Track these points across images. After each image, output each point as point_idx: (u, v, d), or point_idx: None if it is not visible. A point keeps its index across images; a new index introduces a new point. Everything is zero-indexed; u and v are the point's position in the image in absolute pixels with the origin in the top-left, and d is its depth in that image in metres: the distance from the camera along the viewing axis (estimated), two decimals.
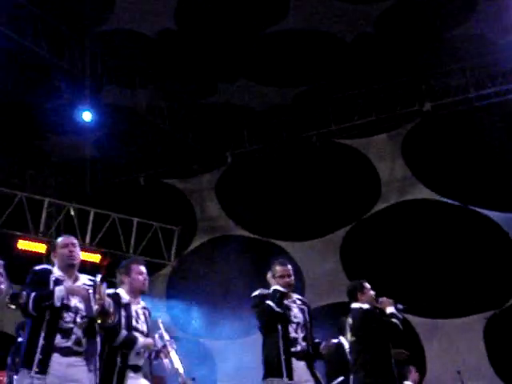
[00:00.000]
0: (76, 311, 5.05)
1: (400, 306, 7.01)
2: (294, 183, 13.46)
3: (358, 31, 11.22)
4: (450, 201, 12.64)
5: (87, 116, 11.57)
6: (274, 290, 6.15)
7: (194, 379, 10.97)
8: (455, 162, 12.49)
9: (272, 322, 6.07)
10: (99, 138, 13.35)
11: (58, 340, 4.93)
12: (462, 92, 12.14)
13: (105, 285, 5.02)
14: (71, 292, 5.02)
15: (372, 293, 7.07)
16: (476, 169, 12.32)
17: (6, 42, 10.19)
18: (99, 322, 4.99)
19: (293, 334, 6.04)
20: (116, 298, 5.42)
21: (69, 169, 14.25)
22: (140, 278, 5.69)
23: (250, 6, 10.56)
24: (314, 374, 6.03)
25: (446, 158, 12.49)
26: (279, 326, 6.03)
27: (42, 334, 4.89)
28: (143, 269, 5.77)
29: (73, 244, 5.35)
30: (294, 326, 6.11)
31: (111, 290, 5.47)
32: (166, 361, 5.62)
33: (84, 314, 5.07)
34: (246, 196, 13.96)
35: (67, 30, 10.82)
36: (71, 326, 5.00)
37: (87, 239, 13.01)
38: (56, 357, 4.90)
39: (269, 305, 6.07)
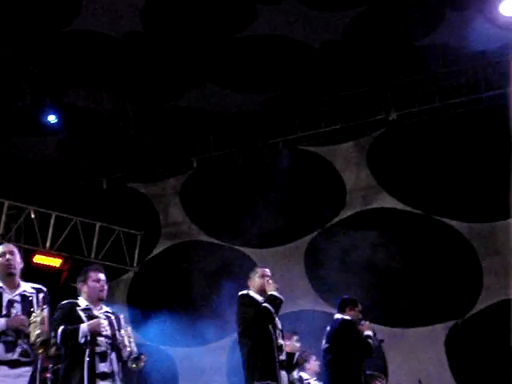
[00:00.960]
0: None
1: (378, 337, 7.20)
2: (258, 190, 13.40)
3: (325, 38, 11.22)
4: (413, 210, 12.69)
5: (52, 118, 11.44)
6: (272, 294, 6.13)
7: None
8: (420, 171, 12.57)
9: (267, 326, 5.96)
10: (62, 140, 13.15)
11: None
12: (428, 101, 12.21)
13: (46, 311, 5.00)
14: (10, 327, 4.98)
15: (359, 315, 7.24)
16: (440, 178, 12.41)
17: None
18: (41, 351, 4.90)
19: (279, 341, 6.00)
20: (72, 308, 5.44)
21: (30, 171, 14.00)
22: (97, 285, 5.59)
23: (218, 10, 10.50)
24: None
25: (411, 167, 12.56)
26: (272, 331, 5.94)
27: None
28: (101, 276, 5.67)
29: (10, 252, 5.22)
30: (278, 331, 6.06)
31: (65, 302, 5.45)
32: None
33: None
34: (210, 201, 13.87)
35: (32, 30, 10.62)
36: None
37: (48, 243, 12.80)
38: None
39: (268, 308, 5.95)
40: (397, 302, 12.24)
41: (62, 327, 5.23)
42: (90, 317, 5.44)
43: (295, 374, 8.24)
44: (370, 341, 7.04)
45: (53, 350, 5.15)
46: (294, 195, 13.28)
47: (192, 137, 13.45)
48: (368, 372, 7.40)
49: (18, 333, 4.97)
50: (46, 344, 4.89)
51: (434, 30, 11.04)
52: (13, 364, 4.90)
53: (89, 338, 5.24)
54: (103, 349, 5.39)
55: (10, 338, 4.95)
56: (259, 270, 6.60)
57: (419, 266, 12.38)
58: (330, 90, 12.35)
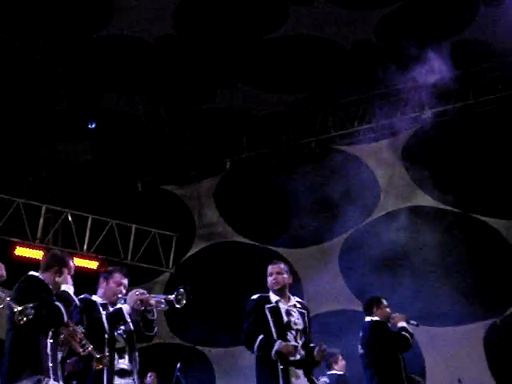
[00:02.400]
0: None
1: (413, 322, 7.10)
2: (292, 189, 13.39)
3: (357, 37, 11.18)
4: (450, 208, 12.58)
5: (91, 125, 11.67)
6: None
7: None
8: (456, 168, 12.44)
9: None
10: (97, 143, 13.30)
11: None
12: (462, 98, 12.11)
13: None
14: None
15: (388, 310, 7.11)
16: (476, 176, 12.27)
17: (7, 49, 10.17)
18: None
19: (293, 342, 5.81)
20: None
21: (67, 175, 14.18)
22: (116, 288, 5.73)
23: (250, 11, 10.53)
24: (311, 382, 5.82)
25: (446, 164, 12.44)
26: (275, 335, 5.78)
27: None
28: (124, 281, 5.78)
29: None
30: (294, 332, 5.87)
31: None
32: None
33: None
34: (244, 202, 13.90)
35: (66, 35, 10.77)
36: None
37: (85, 246, 12.95)
38: None
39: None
40: (434, 301, 12.13)
41: None
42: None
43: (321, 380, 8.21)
44: (404, 333, 6.95)
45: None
46: (327, 195, 13.24)
47: (225, 138, 13.51)
48: (410, 375, 7.32)
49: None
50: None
51: (467, 27, 10.93)
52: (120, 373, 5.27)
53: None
54: (121, 345, 5.51)
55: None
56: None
57: (457, 264, 12.27)
58: (363, 88, 12.30)
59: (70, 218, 13.14)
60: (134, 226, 13.39)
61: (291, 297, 6.09)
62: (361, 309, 12.45)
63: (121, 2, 10.16)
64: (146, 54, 11.32)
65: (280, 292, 6.02)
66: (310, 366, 5.87)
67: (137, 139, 13.23)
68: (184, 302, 5.65)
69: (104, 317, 5.52)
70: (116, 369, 5.42)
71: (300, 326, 5.94)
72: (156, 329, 5.78)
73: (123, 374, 5.45)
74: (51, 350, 4.93)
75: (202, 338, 13.58)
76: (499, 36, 10.65)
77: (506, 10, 10.17)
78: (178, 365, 9.07)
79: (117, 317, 5.53)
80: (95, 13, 10.45)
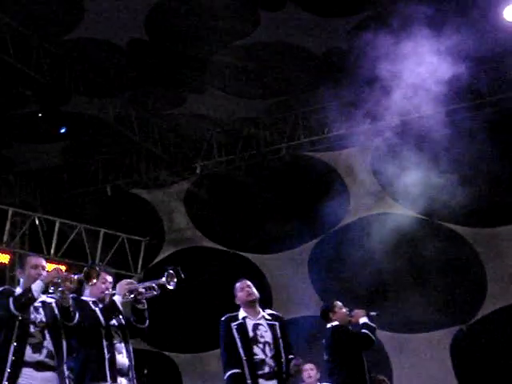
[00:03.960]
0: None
1: (373, 313, 7.09)
2: (262, 196, 13.41)
3: (329, 45, 11.23)
4: (418, 215, 12.68)
5: (61, 129, 11.58)
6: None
7: None
8: (423, 176, 12.53)
9: None
10: (66, 147, 13.18)
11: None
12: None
13: None
14: (47, 279, 5.06)
15: (344, 311, 7.11)
16: (441, 183, 12.36)
17: None
18: None
19: (260, 356, 5.86)
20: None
21: (34, 178, 14.03)
22: (102, 286, 5.61)
23: (221, 17, 10.51)
24: None
25: (414, 172, 12.52)
26: (241, 350, 5.85)
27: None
28: (109, 278, 5.71)
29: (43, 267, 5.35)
30: (261, 346, 5.91)
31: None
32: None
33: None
34: (214, 208, 13.88)
35: (35, 37, 10.66)
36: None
37: (52, 250, 12.81)
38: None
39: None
40: (402, 308, 12.22)
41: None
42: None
43: None
44: (364, 331, 6.97)
45: None
46: (297, 201, 13.29)
47: (195, 143, 13.48)
48: (373, 374, 7.32)
49: (44, 334, 5.04)
50: None
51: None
52: (38, 366, 4.94)
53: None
54: (118, 340, 5.47)
55: (35, 340, 5.00)
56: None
57: (424, 271, 12.38)
58: (333, 95, 12.35)
59: (37, 222, 12.99)
60: (102, 231, 13.29)
61: (261, 311, 6.14)
62: None
63: (92, 4, 10.08)
64: (116, 58, 11.25)
65: (251, 306, 6.09)
66: (282, 377, 5.90)
67: (106, 143, 13.14)
68: (175, 281, 5.64)
69: (98, 310, 5.45)
70: (118, 367, 5.33)
71: (268, 339, 5.97)
72: (147, 321, 5.68)
73: (122, 371, 5.37)
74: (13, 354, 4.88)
75: (169, 343, 13.54)
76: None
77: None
78: (145, 371, 9.01)
79: (111, 308, 5.46)
80: (66, 15, 10.35)
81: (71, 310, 5.17)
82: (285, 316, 13.09)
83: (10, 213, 12.66)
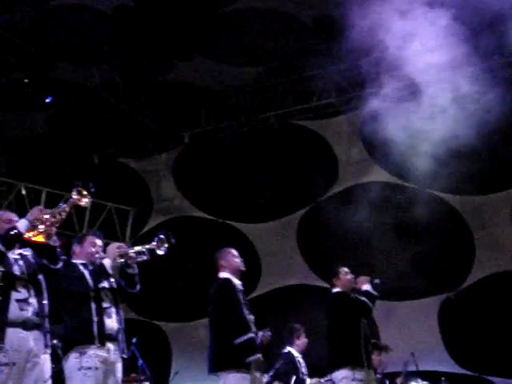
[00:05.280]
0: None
1: (377, 281, 7.12)
2: (251, 164, 13.36)
3: (317, 12, 11.10)
4: (405, 183, 12.68)
5: (47, 98, 11.45)
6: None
7: (177, 373, 10.91)
8: (411, 144, 12.50)
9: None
10: (52, 115, 13.03)
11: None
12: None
13: None
14: (32, 217, 5.03)
15: (348, 277, 7.10)
16: (432, 151, 12.34)
17: None
18: None
19: (250, 316, 5.95)
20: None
21: (20, 147, 13.88)
22: (92, 249, 5.57)
23: None
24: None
25: (404, 140, 12.48)
26: (250, 317, 5.91)
27: None
28: (98, 241, 5.65)
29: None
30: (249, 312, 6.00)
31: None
32: None
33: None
34: (202, 177, 13.82)
35: (19, 3, 10.46)
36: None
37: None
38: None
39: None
40: (389, 276, 12.26)
41: None
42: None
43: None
44: (363, 299, 6.99)
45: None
46: (286, 170, 13.25)
47: (183, 111, 13.35)
48: (374, 341, 7.34)
49: (29, 290, 5.00)
50: None
51: None
52: (25, 325, 4.89)
53: None
54: (107, 304, 5.44)
55: (21, 296, 4.95)
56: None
57: (412, 240, 12.41)
58: (322, 63, 12.24)
59: (23, 191, 12.89)
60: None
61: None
62: (319, 283, 12.62)
63: None
64: (102, 24, 11.07)
65: (238, 275, 6.12)
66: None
67: (93, 111, 12.98)
68: (166, 246, 5.63)
69: (87, 272, 5.41)
70: (106, 331, 5.27)
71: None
72: (139, 286, 5.64)
73: (111, 336, 5.32)
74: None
75: (157, 312, 13.55)
76: None
77: None
78: (134, 339, 9.02)
79: (99, 271, 5.41)
80: None
81: (57, 250, 5.13)
82: (274, 285, 13.23)
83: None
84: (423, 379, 9.68)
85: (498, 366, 11.41)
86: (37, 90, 11.66)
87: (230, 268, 6.08)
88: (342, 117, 13.12)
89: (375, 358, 8.79)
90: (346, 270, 7.19)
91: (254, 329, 5.90)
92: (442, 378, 9.98)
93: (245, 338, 5.72)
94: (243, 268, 6.12)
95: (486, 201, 12.41)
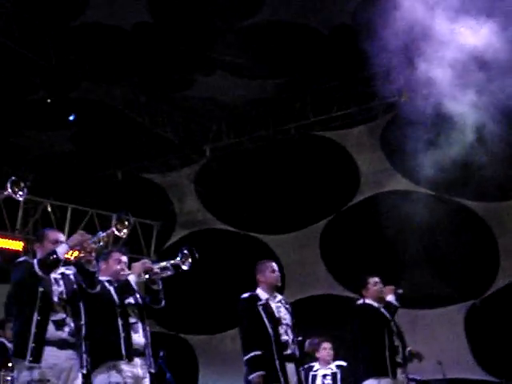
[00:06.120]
0: None
1: (399, 291, 7.09)
2: (272, 176, 13.41)
3: (335, 23, 11.16)
4: (428, 191, 12.65)
5: (70, 117, 11.63)
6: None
7: None
8: (433, 152, 12.49)
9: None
10: (76, 133, 13.21)
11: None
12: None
13: None
14: (73, 242, 5.07)
15: (376, 288, 7.04)
16: (455, 158, 12.31)
17: None
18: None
19: (284, 337, 5.93)
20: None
21: (45, 165, 14.07)
22: (117, 266, 5.63)
23: None
24: (299, 378, 5.93)
25: (425, 148, 12.48)
26: (270, 330, 5.89)
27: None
28: (123, 258, 5.71)
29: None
30: (284, 327, 5.99)
31: None
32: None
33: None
34: (225, 190, 13.90)
35: (42, 24, 10.65)
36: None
37: (65, 236, 12.84)
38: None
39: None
40: (415, 284, 12.23)
41: None
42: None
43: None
44: (382, 311, 6.97)
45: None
46: (307, 181, 13.28)
47: (204, 126, 13.47)
48: (410, 348, 7.23)
49: (66, 310, 5.07)
50: None
51: None
52: (61, 344, 4.96)
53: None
54: (134, 320, 5.50)
55: (58, 316, 5.02)
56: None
57: (436, 247, 12.36)
58: (341, 74, 12.30)
59: (49, 209, 13.05)
60: (114, 216, 13.29)
61: (276, 294, 6.21)
62: (343, 293, 12.61)
63: None
64: (122, 42, 11.23)
65: (273, 289, 6.18)
66: (300, 360, 6.04)
67: (116, 128, 13.15)
68: (190, 261, 5.70)
69: (112, 289, 5.48)
70: (134, 347, 5.34)
71: (288, 321, 6.07)
72: (163, 301, 5.71)
73: (138, 350, 5.39)
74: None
75: (184, 325, 13.63)
76: None
77: None
78: (161, 353, 9.08)
79: (125, 287, 5.48)
80: (71, 1, 10.34)
81: (95, 276, 5.19)
82: (298, 296, 13.21)
83: (22, 200, 12.71)
84: None
85: None
86: (60, 108, 11.83)
87: (265, 283, 6.14)
88: (363, 126, 13.14)
89: None
90: (375, 280, 7.11)
91: (285, 340, 5.90)
92: None
93: (249, 355, 5.82)
94: (279, 283, 6.18)
95: (510, 207, 12.34)
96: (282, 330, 5.94)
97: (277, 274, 6.18)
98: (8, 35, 10.25)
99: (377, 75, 12.24)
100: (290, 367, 5.88)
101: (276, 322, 5.93)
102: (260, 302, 6.00)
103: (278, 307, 6.06)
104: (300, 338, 6.30)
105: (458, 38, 9.57)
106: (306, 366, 8.34)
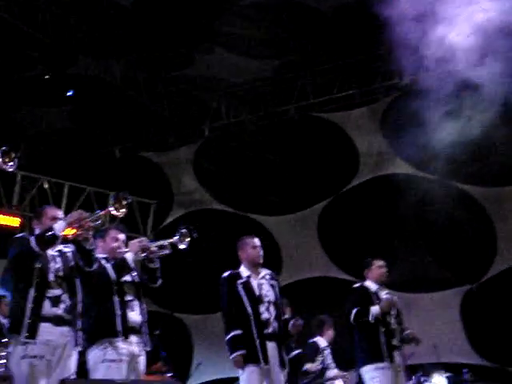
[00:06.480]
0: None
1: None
2: (271, 157, 13.35)
3: (337, 2, 11.05)
4: (427, 175, 12.61)
5: (68, 92, 11.56)
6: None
7: (199, 364, 10.96)
8: (433, 135, 12.43)
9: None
10: (73, 110, 13.12)
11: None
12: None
13: None
14: (70, 219, 5.01)
15: (382, 270, 6.97)
16: (452, 143, 12.26)
17: None
18: None
19: (265, 315, 5.84)
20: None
21: (43, 142, 13.99)
22: (114, 244, 5.59)
23: None
24: (281, 357, 5.84)
25: (426, 131, 12.42)
26: (249, 309, 5.81)
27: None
28: (121, 236, 5.67)
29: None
30: (266, 304, 5.89)
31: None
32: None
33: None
34: (223, 170, 13.84)
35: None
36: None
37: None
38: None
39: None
40: (411, 268, 12.23)
41: None
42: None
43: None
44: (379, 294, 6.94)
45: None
46: (306, 162, 13.23)
47: (203, 105, 13.37)
48: (408, 331, 7.17)
49: (62, 287, 5.05)
50: None
51: None
52: (56, 321, 4.95)
53: None
54: (131, 297, 5.47)
55: (54, 293, 5.00)
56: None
57: (433, 231, 12.35)
58: (343, 55, 12.20)
59: (46, 186, 12.98)
60: (111, 194, 13.24)
61: (261, 269, 6.09)
62: (339, 275, 12.61)
63: None
64: (122, 19, 11.11)
65: (256, 265, 6.05)
66: (282, 339, 5.90)
67: (114, 105, 13.06)
68: (188, 240, 5.65)
69: (109, 266, 5.46)
70: (130, 324, 5.33)
71: (271, 298, 5.96)
72: (160, 280, 5.67)
73: (134, 328, 5.37)
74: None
75: (179, 305, 13.62)
76: None
77: None
78: (157, 332, 9.06)
79: (122, 265, 5.47)
80: None
81: (92, 253, 5.16)
82: (295, 277, 13.19)
83: (18, 176, 12.66)
84: (446, 371, 9.64)
85: None
86: (58, 84, 11.73)
87: (247, 260, 6.05)
88: (363, 109, 13.07)
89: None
90: (381, 263, 7.05)
91: (266, 319, 5.84)
92: (465, 370, 9.93)
93: (229, 336, 5.78)
94: (260, 261, 6.04)
95: (508, 192, 12.32)
96: (263, 307, 5.84)
97: (258, 250, 6.05)
98: (6, 9, 10.14)
99: (378, 57, 12.17)
100: (272, 346, 5.80)
101: (256, 300, 5.84)
102: (240, 281, 5.90)
103: (260, 284, 5.94)
104: (286, 317, 6.23)
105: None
106: (311, 341, 8.38)
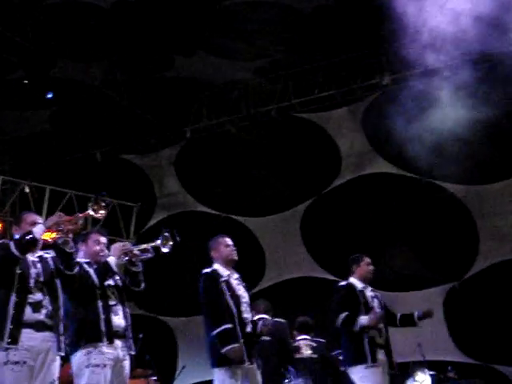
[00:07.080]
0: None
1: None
2: (253, 158, 13.35)
3: (316, 3, 11.07)
4: (408, 174, 12.66)
5: (48, 94, 11.46)
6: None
7: (184, 367, 10.94)
8: (413, 135, 12.48)
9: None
10: (54, 113, 13.03)
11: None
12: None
13: None
14: (49, 223, 5.01)
15: (370, 268, 6.99)
16: (433, 141, 12.32)
17: None
18: None
19: (245, 315, 5.81)
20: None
21: (23, 146, 13.89)
22: (96, 247, 5.57)
23: None
24: (251, 356, 5.73)
25: (406, 131, 12.46)
26: (234, 308, 5.75)
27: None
28: (102, 239, 5.65)
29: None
30: (245, 305, 5.88)
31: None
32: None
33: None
34: (205, 172, 13.82)
35: (19, 2, 10.44)
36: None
37: (43, 217, 12.71)
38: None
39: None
40: (393, 267, 12.28)
41: None
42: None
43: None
44: (364, 292, 6.95)
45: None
46: (288, 163, 13.24)
47: (184, 106, 13.33)
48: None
49: (43, 292, 5.03)
50: None
51: None
52: (38, 326, 4.93)
53: None
54: (114, 302, 5.45)
55: (35, 298, 4.99)
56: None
57: (415, 230, 12.40)
58: (323, 55, 12.22)
59: (27, 190, 12.89)
60: (93, 197, 13.15)
61: (234, 271, 6.05)
62: (323, 276, 12.63)
63: None
64: (101, 20, 11.05)
65: (230, 264, 5.99)
66: (252, 340, 5.82)
67: (94, 108, 12.98)
68: (171, 244, 5.61)
69: (92, 271, 5.43)
70: (114, 328, 5.31)
71: (247, 299, 5.95)
72: (143, 284, 5.63)
73: (118, 333, 5.36)
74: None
75: (163, 308, 13.58)
76: None
77: None
78: (140, 335, 9.03)
79: (104, 269, 5.44)
80: None
81: (73, 257, 5.13)
82: (278, 278, 13.20)
83: None
84: (430, 369, 9.68)
85: (504, 354, 11.42)
86: (38, 88, 11.65)
87: (221, 258, 5.98)
88: (344, 109, 13.09)
89: None
90: (369, 260, 7.09)
91: (246, 318, 5.79)
92: (449, 368, 10.00)
93: (218, 329, 5.61)
94: (235, 257, 5.98)
95: (489, 190, 12.39)
96: (243, 307, 5.81)
97: (231, 248, 6.00)
98: None
99: (359, 57, 12.19)
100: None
101: (238, 299, 5.79)
102: (222, 279, 5.84)
103: (237, 284, 5.92)
104: (258, 317, 6.23)
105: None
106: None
